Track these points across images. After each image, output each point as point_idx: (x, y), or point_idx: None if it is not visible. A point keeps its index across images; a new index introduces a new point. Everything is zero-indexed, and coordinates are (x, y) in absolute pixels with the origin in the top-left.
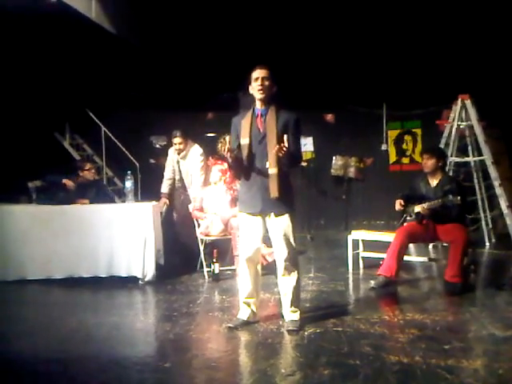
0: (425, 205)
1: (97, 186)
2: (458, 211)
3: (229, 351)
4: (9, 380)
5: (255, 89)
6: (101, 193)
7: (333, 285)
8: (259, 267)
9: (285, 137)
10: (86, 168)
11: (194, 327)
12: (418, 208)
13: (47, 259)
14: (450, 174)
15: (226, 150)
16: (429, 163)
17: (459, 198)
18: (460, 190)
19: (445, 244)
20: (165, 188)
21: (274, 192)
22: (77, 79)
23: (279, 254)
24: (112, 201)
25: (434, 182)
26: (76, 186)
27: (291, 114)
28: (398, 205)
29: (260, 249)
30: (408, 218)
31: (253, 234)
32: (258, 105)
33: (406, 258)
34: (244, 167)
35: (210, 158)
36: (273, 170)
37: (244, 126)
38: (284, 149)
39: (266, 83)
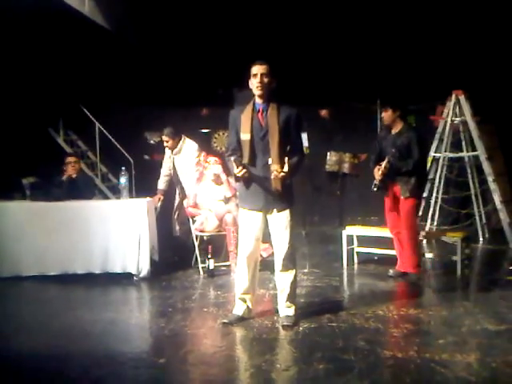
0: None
1: (84, 181)
2: (412, 165)
3: (224, 347)
4: (4, 376)
5: (254, 85)
6: (83, 188)
7: (327, 280)
8: (258, 263)
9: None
10: (65, 162)
11: (188, 323)
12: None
13: (42, 256)
14: (444, 169)
15: (239, 168)
16: (385, 116)
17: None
18: (417, 139)
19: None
20: (161, 184)
21: (277, 188)
22: (71, 75)
23: (279, 249)
24: (92, 195)
25: (393, 132)
26: (67, 183)
27: (292, 109)
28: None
29: (260, 245)
30: (374, 188)
31: (253, 231)
32: (258, 100)
33: None
34: (250, 176)
35: (204, 154)
36: (275, 166)
37: (244, 121)
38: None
39: (265, 80)
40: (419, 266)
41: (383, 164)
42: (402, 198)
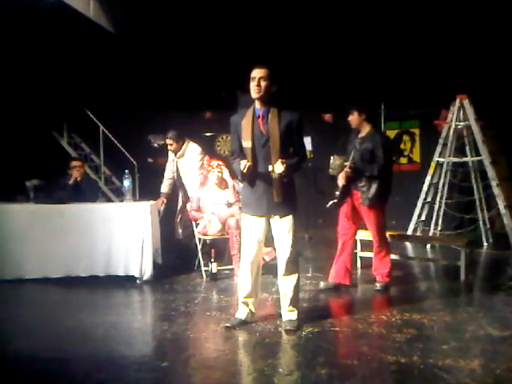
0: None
1: (87, 184)
2: (377, 170)
3: (226, 351)
4: (6, 379)
5: (252, 89)
6: (86, 191)
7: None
8: (260, 268)
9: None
10: (71, 166)
11: (191, 327)
12: (340, 181)
13: (45, 258)
14: (448, 174)
15: (247, 167)
16: (351, 119)
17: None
18: (382, 144)
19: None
20: (164, 188)
21: (277, 196)
22: (75, 78)
23: (282, 254)
24: (96, 198)
25: (360, 135)
26: (71, 185)
27: (293, 114)
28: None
29: (262, 249)
30: (335, 200)
31: (256, 236)
32: (258, 105)
33: (403, 257)
34: (255, 174)
35: (207, 157)
36: (276, 174)
37: (245, 127)
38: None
39: (263, 83)
40: (389, 276)
41: (347, 165)
42: (361, 206)
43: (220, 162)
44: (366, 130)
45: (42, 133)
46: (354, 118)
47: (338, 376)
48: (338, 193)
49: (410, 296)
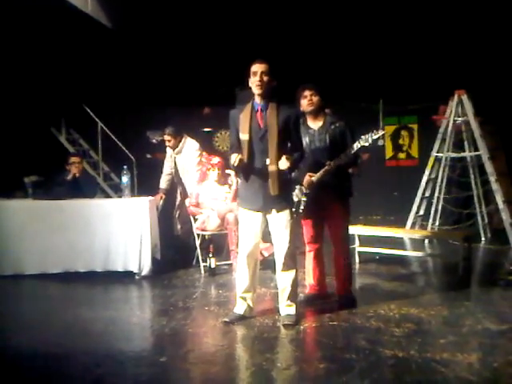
0: (315, 176)
1: (86, 180)
2: (354, 157)
3: (225, 345)
4: (5, 374)
5: (254, 84)
6: (85, 187)
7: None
8: (258, 262)
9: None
10: (70, 162)
11: (190, 322)
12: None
13: (43, 254)
14: (446, 169)
15: (238, 160)
16: (315, 100)
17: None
18: (350, 128)
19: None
20: (163, 183)
21: (274, 190)
22: (73, 74)
23: (279, 249)
24: (94, 194)
25: (317, 125)
26: (69, 182)
27: (292, 109)
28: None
29: (259, 244)
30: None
31: (253, 230)
32: (258, 99)
33: (401, 252)
34: (247, 168)
35: (205, 153)
36: (273, 167)
37: (243, 120)
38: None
39: (265, 78)
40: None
41: (328, 163)
42: (333, 203)
43: (219, 159)
44: (321, 118)
45: (41, 129)
46: (316, 100)
47: (336, 370)
48: (304, 199)
49: (408, 291)
